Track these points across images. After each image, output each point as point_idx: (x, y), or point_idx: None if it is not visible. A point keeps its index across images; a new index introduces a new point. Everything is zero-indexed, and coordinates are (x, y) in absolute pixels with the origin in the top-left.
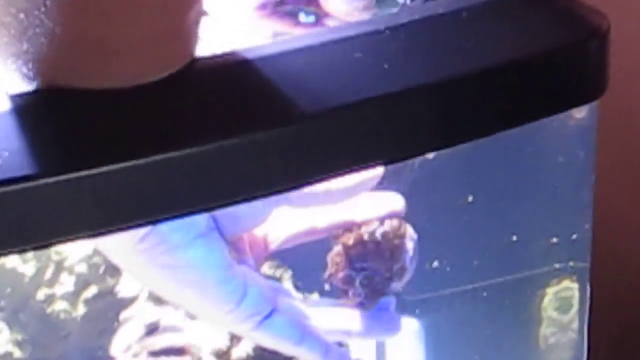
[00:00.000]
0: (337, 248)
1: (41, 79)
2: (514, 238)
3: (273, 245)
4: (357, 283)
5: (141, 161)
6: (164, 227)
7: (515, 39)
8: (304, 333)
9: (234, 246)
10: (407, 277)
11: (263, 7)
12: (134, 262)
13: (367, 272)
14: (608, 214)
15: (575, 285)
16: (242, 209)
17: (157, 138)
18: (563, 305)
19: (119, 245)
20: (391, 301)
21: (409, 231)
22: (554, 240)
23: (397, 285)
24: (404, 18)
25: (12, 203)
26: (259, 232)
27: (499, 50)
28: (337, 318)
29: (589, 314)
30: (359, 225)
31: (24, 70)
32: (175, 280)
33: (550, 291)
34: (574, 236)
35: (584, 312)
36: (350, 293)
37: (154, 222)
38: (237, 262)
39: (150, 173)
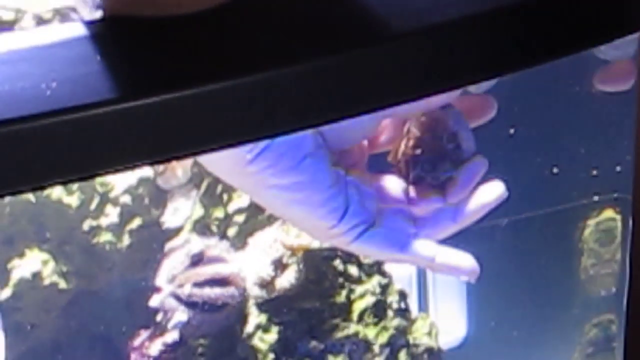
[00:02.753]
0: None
1: (106, 7)
2: (555, 170)
3: (371, 150)
4: (418, 162)
5: (239, 80)
6: (273, 151)
7: None
8: (406, 242)
9: (341, 157)
10: (464, 157)
11: None
12: (244, 183)
13: (425, 152)
14: None
15: (618, 217)
16: (350, 124)
17: (249, 58)
18: (604, 237)
19: (229, 169)
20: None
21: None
22: (595, 172)
23: (455, 163)
24: None
25: (68, 132)
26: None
27: None
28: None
29: (632, 247)
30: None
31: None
32: (282, 200)
33: (591, 223)
34: (618, 168)
35: (626, 244)
36: (412, 174)
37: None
38: (344, 173)
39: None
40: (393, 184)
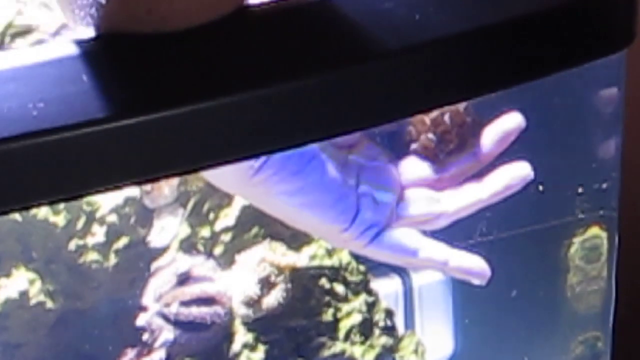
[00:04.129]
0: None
1: (101, 24)
2: (541, 188)
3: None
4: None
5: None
6: (278, 157)
7: None
8: (418, 245)
9: (348, 144)
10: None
11: None
12: (252, 194)
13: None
14: (636, 162)
15: (604, 234)
16: None
17: (241, 75)
18: (590, 255)
19: (234, 181)
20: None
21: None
22: (580, 189)
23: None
24: None
25: (55, 152)
26: None
27: (528, 0)
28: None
29: (617, 264)
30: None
31: (86, 16)
32: (293, 205)
33: (577, 240)
34: (604, 185)
35: (612, 261)
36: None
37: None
38: (356, 171)
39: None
40: (414, 163)
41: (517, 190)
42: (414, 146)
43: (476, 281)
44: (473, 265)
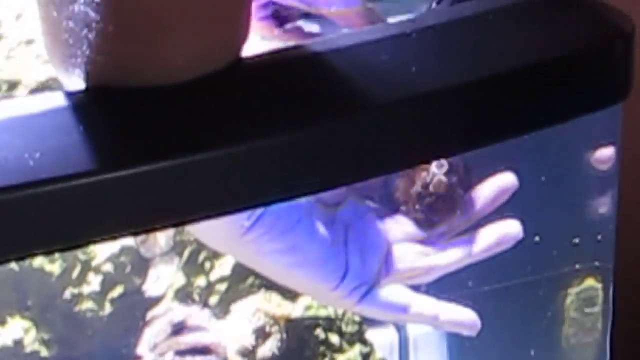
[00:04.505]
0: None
1: (92, 77)
2: (537, 239)
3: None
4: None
5: (196, 157)
6: (269, 216)
7: (540, 41)
8: (408, 301)
9: (335, 201)
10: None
11: (265, 18)
12: (243, 253)
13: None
14: (632, 214)
15: (599, 286)
16: None
17: (233, 128)
18: (585, 306)
19: (225, 239)
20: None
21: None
22: (576, 241)
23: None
24: (430, 21)
25: (51, 202)
26: None
27: (523, 53)
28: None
29: (612, 315)
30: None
31: (76, 69)
32: (282, 264)
33: (573, 291)
34: (599, 237)
35: (607, 312)
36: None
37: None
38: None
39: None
40: (402, 220)
41: (507, 248)
42: (402, 208)
43: (466, 332)
44: (463, 318)
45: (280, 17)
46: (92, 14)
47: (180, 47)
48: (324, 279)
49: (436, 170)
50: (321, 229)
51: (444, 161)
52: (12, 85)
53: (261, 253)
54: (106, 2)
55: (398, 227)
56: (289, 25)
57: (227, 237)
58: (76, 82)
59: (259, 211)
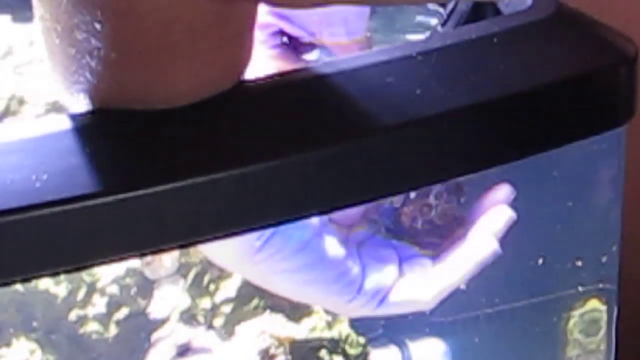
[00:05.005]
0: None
1: (96, 101)
2: (540, 261)
3: None
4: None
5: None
6: (279, 236)
7: (544, 64)
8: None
9: (348, 223)
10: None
11: (274, 46)
12: (254, 273)
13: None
14: (636, 235)
15: (604, 308)
16: None
17: (240, 150)
18: (589, 328)
19: (236, 259)
20: None
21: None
22: (580, 263)
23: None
24: (435, 43)
25: (58, 224)
26: None
27: (527, 76)
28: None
29: (616, 337)
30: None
31: (80, 93)
32: (295, 282)
33: (576, 313)
34: (603, 259)
35: (611, 334)
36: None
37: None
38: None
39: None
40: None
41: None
42: (409, 231)
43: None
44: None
45: (289, 47)
46: (93, 41)
47: (183, 72)
48: (339, 293)
49: (435, 201)
50: (334, 246)
51: (442, 188)
52: (20, 102)
53: (273, 272)
54: (108, 29)
55: (406, 248)
56: (295, 55)
57: (238, 257)
58: (81, 104)
59: (269, 231)
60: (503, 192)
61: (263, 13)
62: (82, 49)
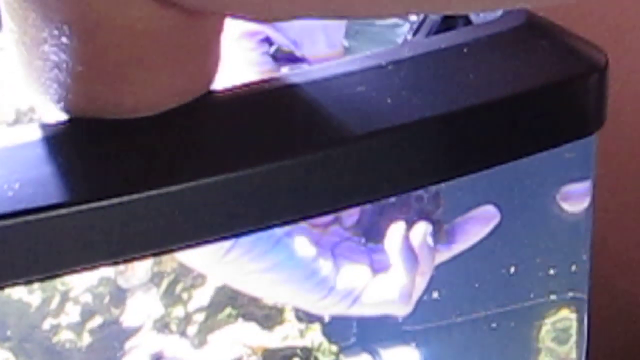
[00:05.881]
0: None
1: (67, 110)
2: (512, 270)
3: None
4: None
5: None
6: (247, 238)
7: (514, 73)
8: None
9: (323, 223)
10: None
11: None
12: (224, 273)
13: None
14: (606, 244)
15: (574, 316)
16: None
17: (214, 158)
18: (561, 336)
19: (206, 261)
20: None
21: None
22: (552, 271)
23: None
24: (406, 53)
25: (30, 232)
26: None
27: (498, 85)
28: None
29: (587, 345)
30: None
31: (50, 104)
32: (266, 282)
33: (548, 321)
34: (573, 267)
35: (582, 343)
36: None
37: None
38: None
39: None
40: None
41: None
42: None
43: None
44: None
45: (279, 59)
46: (62, 55)
47: (151, 84)
48: (311, 291)
49: (415, 204)
50: (304, 245)
51: (421, 192)
52: None
53: (243, 273)
54: (75, 43)
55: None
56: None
57: (208, 259)
58: (53, 113)
59: None
60: (487, 214)
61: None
62: (50, 63)
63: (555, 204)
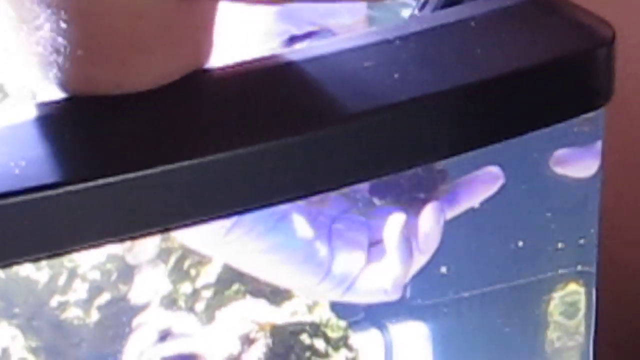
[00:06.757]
0: None
1: (67, 91)
2: (520, 244)
3: None
4: None
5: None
6: (248, 217)
7: (522, 48)
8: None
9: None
10: None
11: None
12: (227, 253)
13: None
14: (614, 218)
15: (582, 290)
16: None
17: (219, 135)
18: (569, 310)
19: (208, 240)
20: None
21: None
22: (560, 245)
23: None
24: (412, 28)
25: (38, 210)
26: None
27: (505, 59)
28: None
29: (595, 319)
30: None
31: (51, 84)
32: (266, 262)
33: (557, 295)
34: (581, 241)
35: (590, 316)
36: None
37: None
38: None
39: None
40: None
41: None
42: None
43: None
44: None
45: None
46: (59, 40)
47: (148, 65)
48: (309, 273)
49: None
50: (304, 226)
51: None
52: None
53: (244, 252)
54: (73, 28)
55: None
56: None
57: (210, 238)
58: (54, 93)
59: None
60: (491, 174)
61: (270, 21)
62: (48, 48)
63: (563, 175)
